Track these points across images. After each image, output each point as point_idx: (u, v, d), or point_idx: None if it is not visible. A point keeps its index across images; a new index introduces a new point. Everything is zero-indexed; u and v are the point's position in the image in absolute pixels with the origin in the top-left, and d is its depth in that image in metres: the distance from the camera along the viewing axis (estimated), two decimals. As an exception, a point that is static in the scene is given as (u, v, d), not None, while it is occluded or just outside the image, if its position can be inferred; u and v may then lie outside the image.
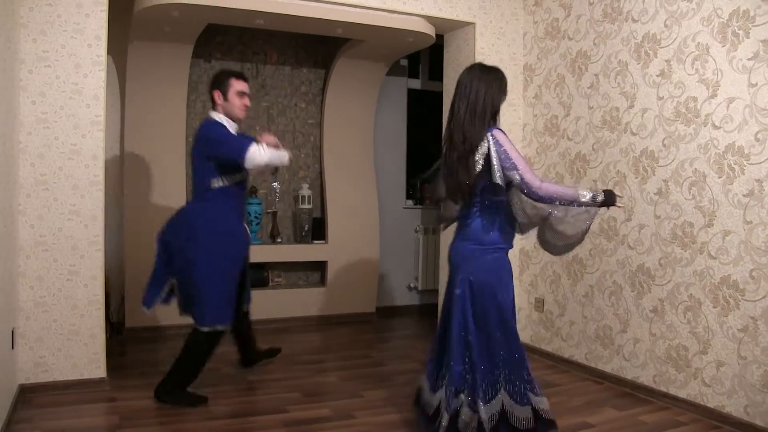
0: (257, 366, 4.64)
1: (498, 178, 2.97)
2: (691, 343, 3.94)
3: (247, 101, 3.98)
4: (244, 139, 3.84)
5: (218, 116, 3.94)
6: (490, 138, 3.00)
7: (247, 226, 4.22)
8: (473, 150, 3.01)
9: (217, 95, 3.94)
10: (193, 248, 3.85)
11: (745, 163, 3.63)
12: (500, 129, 3.06)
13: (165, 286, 3.98)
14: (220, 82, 3.95)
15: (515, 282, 3.99)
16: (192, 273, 3.83)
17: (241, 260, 4.06)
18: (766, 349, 3.51)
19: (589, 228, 3.10)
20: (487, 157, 3.00)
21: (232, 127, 3.95)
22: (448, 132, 3.13)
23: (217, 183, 3.87)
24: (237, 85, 3.93)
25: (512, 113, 5.34)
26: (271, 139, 3.69)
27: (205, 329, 3.84)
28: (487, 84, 3.08)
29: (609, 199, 3.02)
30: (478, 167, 3.02)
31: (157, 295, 3.98)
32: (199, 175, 3.90)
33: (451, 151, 3.10)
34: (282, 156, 3.85)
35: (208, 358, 3.99)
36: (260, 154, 3.70)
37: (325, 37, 6.26)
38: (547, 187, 2.95)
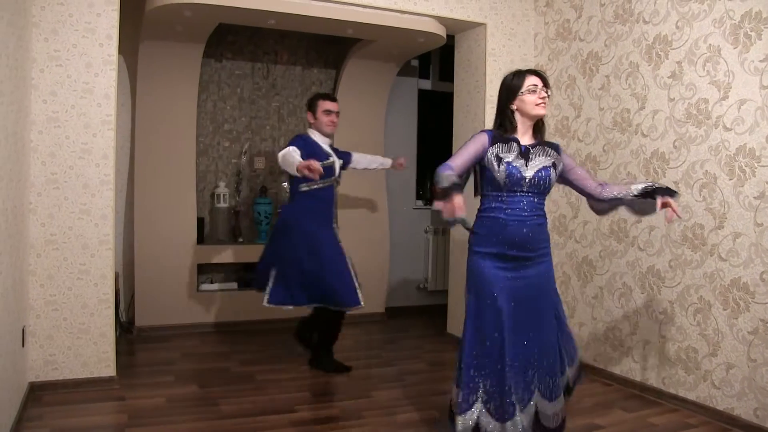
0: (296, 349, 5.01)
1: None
2: (700, 345, 3.93)
3: (333, 118, 4.61)
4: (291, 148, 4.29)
5: (311, 131, 4.64)
6: None
7: (335, 227, 4.65)
8: None
9: (309, 115, 4.65)
10: (279, 242, 4.55)
11: (756, 165, 3.61)
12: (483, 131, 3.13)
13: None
14: (311, 104, 4.65)
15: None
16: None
17: (299, 254, 4.44)
18: (776, 352, 3.49)
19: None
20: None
21: (324, 142, 4.63)
22: None
23: (304, 187, 4.49)
24: (324, 105, 4.59)
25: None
26: (313, 165, 3.93)
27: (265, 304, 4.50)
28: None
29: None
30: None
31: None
32: (293, 179, 4.51)
33: None
34: (292, 165, 4.09)
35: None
36: (282, 155, 4.19)
37: (336, 38, 6.26)
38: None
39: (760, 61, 3.59)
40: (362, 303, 4.46)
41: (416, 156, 6.99)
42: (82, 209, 4.08)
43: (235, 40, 6.18)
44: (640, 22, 4.38)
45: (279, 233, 4.57)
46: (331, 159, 4.57)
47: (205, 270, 6.05)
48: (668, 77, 4.17)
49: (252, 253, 6.03)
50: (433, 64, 7.11)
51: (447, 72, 6.70)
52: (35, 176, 3.97)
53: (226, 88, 6.20)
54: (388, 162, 5.17)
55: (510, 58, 5.31)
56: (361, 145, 6.38)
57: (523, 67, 5.27)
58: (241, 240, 6.13)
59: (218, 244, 5.98)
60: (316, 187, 4.48)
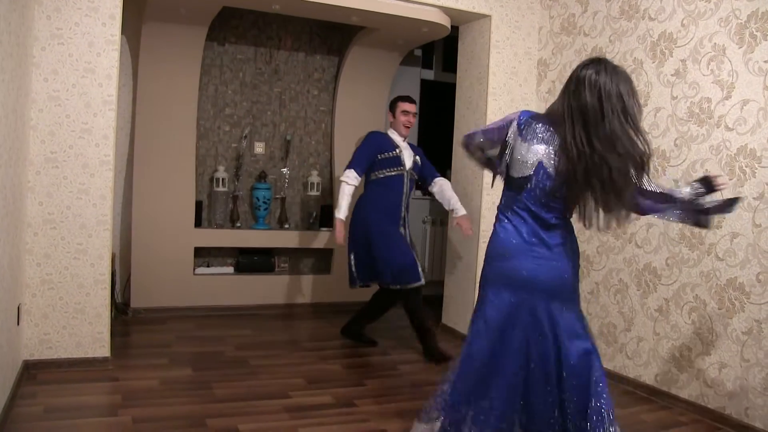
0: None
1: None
2: (694, 343, 3.94)
3: (410, 118, 4.97)
4: (357, 159, 4.85)
5: (390, 131, 5.01)
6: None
7: (403, 212, 4.96)
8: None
9: (389, 115, 5.06)
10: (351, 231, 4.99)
11: (756, 166, 3.61)
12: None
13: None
14: (392, 105, 5.04)
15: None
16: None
17: (360, 239, 4.87)
18: (770, 353, 3.50)
19: None
20: None
21: (399, 139, 4.96)
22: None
23: (374, 175, 4.90)
24: (402, 106, 4.95)
25: (525, 108, 5.31)
26: (338, 237, 4.80)
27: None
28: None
29: None
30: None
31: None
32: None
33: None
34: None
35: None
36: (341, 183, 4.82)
37: (340, 25, 6.24)
38: None
39: (765, 61, 3.59)
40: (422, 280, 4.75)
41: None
42: (80, 189, 4.07)
43: (238, 24, 6.16)
44: (646, 18, 4.37)
45: (351, 224, 4.97)
46: (398, 150, 4.89)
47: (201, 253, 6.05)
48: (672, 75, 4.16)
49: (249, 238, 6.05)
50: (436, 54, 7.09)
51: (450, 63, 6.68)
52: (34, 155, 3.95)
53: (228, 72, 6.18)
54: (457, 211, 5.00)
55: (514, 51, 5.30)
56: (362, 133, 6.37)
57: (527, 60, 5.29)
58: (238, 225, 6.13)
59: (216, 228, 5.98)
60: (384, 174, 4.86)
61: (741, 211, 3.67)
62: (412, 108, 4.95)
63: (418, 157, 5.01)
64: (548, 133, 2.61)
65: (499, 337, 2.71)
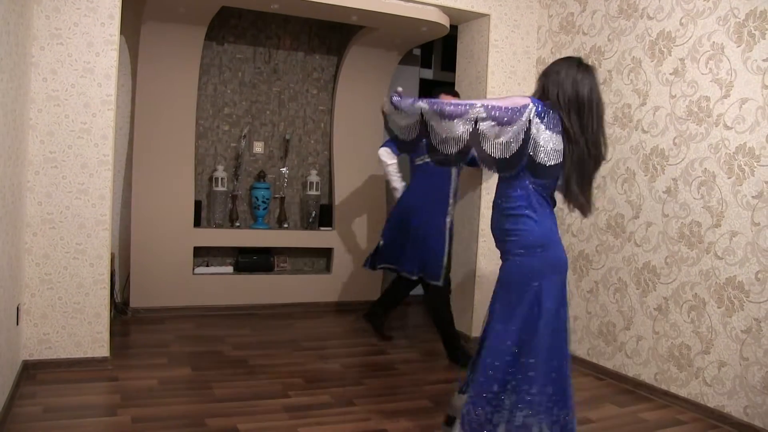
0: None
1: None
2: (694, 342, 3.94)
3: None
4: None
5: None
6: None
7: (451, 202, 4.78)
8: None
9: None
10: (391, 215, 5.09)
11: (755, 164, 3.61)
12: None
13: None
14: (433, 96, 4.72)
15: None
16: None
17: (396, 229, 4.93)
18: (769, 351, 3.50)
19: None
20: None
21: None
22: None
23: (417, 161, 4.81)
24: (444, 98, 4.46)
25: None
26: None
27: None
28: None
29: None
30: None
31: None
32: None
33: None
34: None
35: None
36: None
37: (339, 24, 6.24)
38: None
39: (763, 60, 3.59)
40: (441, 282, 4.72)
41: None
42: (79, 189, 4.07)
43: (237, 24, 6.16)
44: (644, 17, 4.37)
45: (395, 208, 5.02)
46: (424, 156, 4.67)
47: (201, 253, 6.05)
48: (670, 74, 4.17)
49: (248, 237, 6.05)
50: (435, 53, 7.09)
51: (449, 62, 6.68)
52: (33, 154, 3.95)
53: (227, 72, 6.18)
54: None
55: (513, 50, 5.30)
56: (360, 133, 6.38)
57: (525, 59, 5.29)
58: (238, 224, 6.12)
59: (215, 228, 5.98)
60: (425, 161, 4.66)
61: (740, 209, 3.67)
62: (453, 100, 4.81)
63: None
64: (561, 125, 2.71)
65: (553, 325, 2.79)
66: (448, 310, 4.82)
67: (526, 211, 2.77)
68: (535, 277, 2.76)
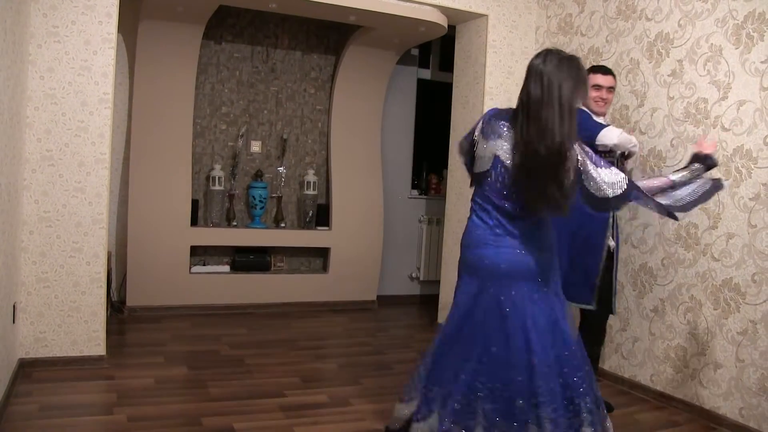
0: None
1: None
2: (689, 344, 3.94)
3: (603, 94, 3.93)
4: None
5: (585, 107, 3.88)
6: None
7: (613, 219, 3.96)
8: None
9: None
10: None
11: (752, 166, 3.62)
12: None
13: None
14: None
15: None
16: None
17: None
18: (764, 352, 3.50)
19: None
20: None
21: (599, 120, 3.91)
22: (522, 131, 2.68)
23: None
24: (593, 79, 3.90)
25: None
26: None
27: None
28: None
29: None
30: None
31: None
32: None
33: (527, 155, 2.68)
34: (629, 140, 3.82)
35: None
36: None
37: (337, 24, 6.24)
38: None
39: (761, 62, 3.59)
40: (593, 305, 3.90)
41: (413, 145, 6.98)
42: (76, 187, 4.07)
43: (235, 23, 6.15)
44: (643, 18, 4.37)
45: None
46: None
47: (197, 252, 6.04)
48: (668, 75, 4.17)
49: (245, 236, 6.05)
50: (433, 53, 7.08)
51: (447, 62, 6.68)
52: (30, 153, 3.95)
53: (224, 71, 6.17)
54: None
55: (510, 51, 5.30)
56: (358, 132, 6.39)
57: (523, 59, 5.29)
58: (235, 223, 6.12)
59: (212, 227, 5.97)
60: None
61: (737, 211, 3.68)
62: (607, 82, 3.95)
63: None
64: (506, 128, 2.75)
65: (466, 322, 2.84)
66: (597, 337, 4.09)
67: (469, 216, 2.94)
68: (458, 274, 2.97)
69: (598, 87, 3.91)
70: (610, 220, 3.88)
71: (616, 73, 4.53)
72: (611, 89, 3.96)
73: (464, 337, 2.84)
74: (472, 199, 2.94)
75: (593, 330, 3.97)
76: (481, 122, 2.88)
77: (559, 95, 2.62)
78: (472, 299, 2.85)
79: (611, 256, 3.90)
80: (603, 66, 4.06)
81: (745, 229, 3.64)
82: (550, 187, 2.62)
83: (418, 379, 2.99)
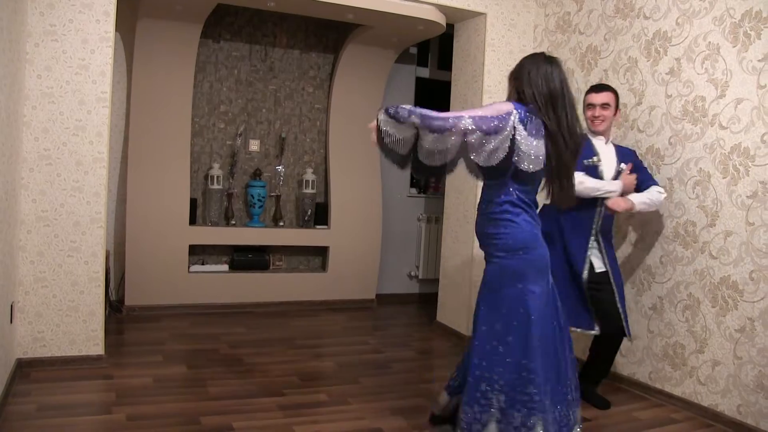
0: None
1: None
2: (688, 341, 3.95)
3: (595, 112, 3.92)
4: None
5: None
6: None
7: (595, 236, 3.91)
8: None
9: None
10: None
11: (750, 164, 3.62)
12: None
13: None
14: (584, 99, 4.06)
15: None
16: None
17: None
18: (762, 350, 3.51)
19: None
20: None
21: (599, 142, 3.95)
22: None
23: None
24: (587, 99, 4.01)
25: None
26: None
27: None
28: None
29: None
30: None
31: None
32: None
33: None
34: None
35: None
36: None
37: (335, 22, 6.23)
38: None
39: (759, 60, 3.59)
40: (596, 330, 3.90)
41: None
42: (74, 186, 4.06)
43: (233, 21, 6.15)
44: (641, 17, 4.37)
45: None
46: (594, 159, 3.89)
47: (196, 251, 6.04)
48: (666, 73, 4.17)
49: (244, 235, 6.05)
50: (431, 52, 7.08)
51: (445, 61, 6.67)
52: (28, 152, 3.94)
53: (223, 70, 6.17)
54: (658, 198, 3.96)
55: (509, 49, 5.30)
56: (356, 132, 6.38)
57: (521, 58, 5.28)
58: (233, 222, 6.12)
59: (210, 226, 5.97)
60: None
61: (735, 209, 3.68)
62: (597, 99, 3.91)
63: (623, 165, 3.92)
64: (541, 126, 2.76)
65: (547, 323, 2.86)
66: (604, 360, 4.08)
67: (509, 216, 2.82)
68: (519, 279, 2.80)
69: (591, 106, 3.95)
70: (592, 236, 3.87)
71: (614, 71, 4.53)
72: (605, 106, 3.90)
73: (550, 337, 2.87)
74: (517, 198, 2.81)
75: (604, 352, 4.02)
76: (516, 116, 2.68)
77: (569, 98, 2.83)
78: (545, 300, 2.85)
79: (606, 279, 3.86)
80: (597, 84, 4.08)
81: (742, 226, 3.64)
82: (573, 178, 2.92)
83: (476, 380, 2.83)
